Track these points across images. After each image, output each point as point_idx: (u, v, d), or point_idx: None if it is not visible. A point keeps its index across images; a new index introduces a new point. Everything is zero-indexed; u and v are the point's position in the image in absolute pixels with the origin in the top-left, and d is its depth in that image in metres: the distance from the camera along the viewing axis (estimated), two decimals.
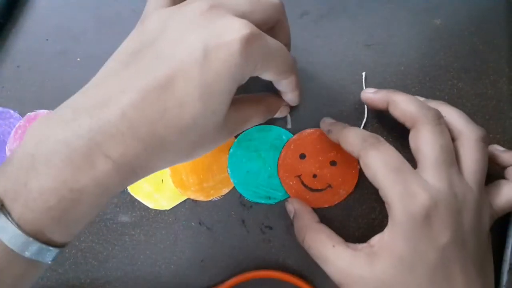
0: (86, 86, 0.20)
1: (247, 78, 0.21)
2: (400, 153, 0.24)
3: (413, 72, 0.31)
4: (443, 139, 0.24)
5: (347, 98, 0.31)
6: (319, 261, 0.25)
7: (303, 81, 0.31)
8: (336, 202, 0.29)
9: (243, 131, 0.28)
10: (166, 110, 0.19)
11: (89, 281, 0.31)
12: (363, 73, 0.31)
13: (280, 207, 0.30)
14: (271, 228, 0.30)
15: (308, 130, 0.30)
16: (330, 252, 0.24)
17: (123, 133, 0.18)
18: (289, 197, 0.30)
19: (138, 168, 0.19)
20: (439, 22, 0.31)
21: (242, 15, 0.20)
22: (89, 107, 0.18)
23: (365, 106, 0.30)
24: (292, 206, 0.28)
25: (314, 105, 0.31)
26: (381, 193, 0.23)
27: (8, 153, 0.31)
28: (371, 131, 0.30)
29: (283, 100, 0.28)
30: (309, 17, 0.32)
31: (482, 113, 0.30)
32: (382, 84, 0.31)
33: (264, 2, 0.22)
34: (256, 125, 0.30)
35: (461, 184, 0.24)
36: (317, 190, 0.29)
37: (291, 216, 0.28)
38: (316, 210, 0.28)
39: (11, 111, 0.32)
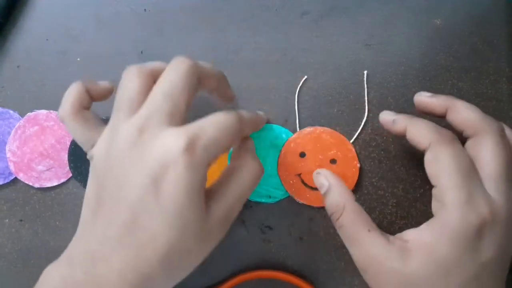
0: (75, 235, 0.22)
1: (207, 171, 0.20)
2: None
3: (413, 72, 0.31)
4: (507, 153, 0.23)
5: (347, 98, 0.31)
6: (348, 242, 0.24)
7: (303, 81, 0.31)
8: None
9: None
10: (143, 247, 0.20)
11: None
12: (365, 72, 0.31)
13: (280, 207, 0.30)
14: (271, 228, 0.30)
15: (308, 129, 0.30)
16: (365, 236, 0.23)
17: (113, 283, 0.19)
18: (289, 196, 0.29)
19: None
20: (439, 22, 0.31)
21: (172, 116, 0.21)
22: (82, 263, 0.20)
23: (366, 106, 0.30)
24: (326, 180, 0.26)
25: (314, 105, 0.31)
26: (438, 191, 0.23)
27: (7, 154, 0.31)
28: (371, 131, 0.30)
29: (256, 163, 0.24)
30: (310, 17, 0.32)
31: None
32: (382, 84, 0.31)
33: (180, 87, 0.21)
34: None
35: None
36: (317, 189, 0.29)
37: (322, 190, 0.26)
38: (316, 210, 0.28)
39: (11, 111, 0.32)
